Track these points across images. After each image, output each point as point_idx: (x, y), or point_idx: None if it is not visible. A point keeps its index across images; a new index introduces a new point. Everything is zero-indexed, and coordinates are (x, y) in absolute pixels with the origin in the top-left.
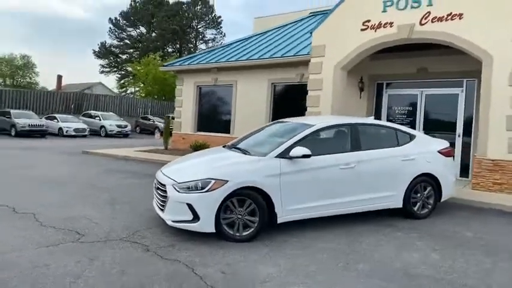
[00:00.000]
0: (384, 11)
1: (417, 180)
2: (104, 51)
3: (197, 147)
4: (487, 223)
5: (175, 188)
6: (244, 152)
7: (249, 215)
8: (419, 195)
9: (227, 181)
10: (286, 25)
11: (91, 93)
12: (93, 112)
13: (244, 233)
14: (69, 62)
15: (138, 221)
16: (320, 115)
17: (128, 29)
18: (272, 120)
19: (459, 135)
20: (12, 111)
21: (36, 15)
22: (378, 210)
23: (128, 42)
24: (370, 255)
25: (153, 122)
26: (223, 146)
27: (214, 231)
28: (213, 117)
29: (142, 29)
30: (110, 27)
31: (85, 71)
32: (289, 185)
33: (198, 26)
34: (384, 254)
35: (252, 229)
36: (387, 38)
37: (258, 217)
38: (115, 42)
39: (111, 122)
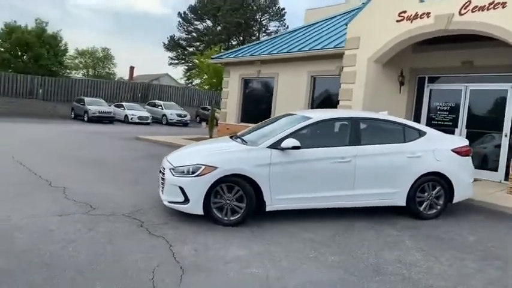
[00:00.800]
0: (421, 1)
1: (424, 179)
2: (172, 44)
3: None
4: (498, 229)
5: (171, 172)
6: (244, 142)
7: (237, 201)
8: (426, 194)
9: (216, 167)
10: (335, 17)
11: (157, 84)
12: (156, 101)
13: (232, 218)
14: (145, 54)
15: (147, 200)
16: (351, 109)
17: (195, 22)
18: None
19: (506, 135)
20: (86, 98)
21: (118, 12)
22: (386, 207)
23: (195, 35)
24: (349, 249)
25: None
26: (230, 137)
27: (202, 213)
28: (255, 109)
29: (209, 23)
30: (179, 21)
31: (157, 62)
32: (279, 175)
33: (262, 19)
34: (365, 249)
35: (239, 214)
36: (423, 30)
37: (245, 203)
38: (183, 35)
39: (172, 111)
